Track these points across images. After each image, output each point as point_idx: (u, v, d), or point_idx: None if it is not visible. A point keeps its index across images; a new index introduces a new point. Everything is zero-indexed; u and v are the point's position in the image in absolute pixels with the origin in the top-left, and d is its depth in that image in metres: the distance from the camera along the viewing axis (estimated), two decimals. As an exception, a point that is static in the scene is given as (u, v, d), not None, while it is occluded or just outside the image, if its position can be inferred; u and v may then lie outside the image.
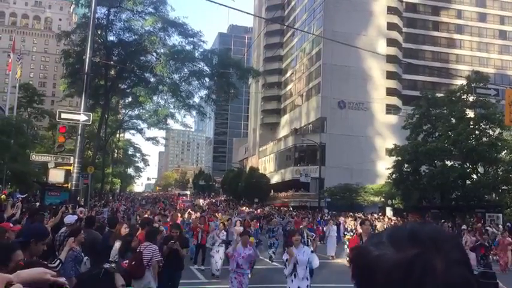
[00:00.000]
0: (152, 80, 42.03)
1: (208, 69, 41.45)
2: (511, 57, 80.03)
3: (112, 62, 40.08)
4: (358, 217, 31.19)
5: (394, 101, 70.82)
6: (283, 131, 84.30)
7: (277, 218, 28.24)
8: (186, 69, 40.53)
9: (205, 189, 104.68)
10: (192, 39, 39.96)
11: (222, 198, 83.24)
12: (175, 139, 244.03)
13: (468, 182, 39.18)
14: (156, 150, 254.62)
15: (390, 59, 67.74)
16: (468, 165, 39.30)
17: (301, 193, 62.59)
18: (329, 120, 66.48)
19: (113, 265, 6.74)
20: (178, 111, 45.33)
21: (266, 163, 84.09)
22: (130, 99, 51.23)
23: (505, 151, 37.19)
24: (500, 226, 26.07)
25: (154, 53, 40.58)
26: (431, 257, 0.88)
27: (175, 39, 60.08)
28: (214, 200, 75.99)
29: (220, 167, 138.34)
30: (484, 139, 37.97)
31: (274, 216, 30.51)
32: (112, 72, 43.54)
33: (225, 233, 15.25)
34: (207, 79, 42.36)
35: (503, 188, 36.65)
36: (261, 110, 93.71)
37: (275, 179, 75.03)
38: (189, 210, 27.91)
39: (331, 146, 62.66)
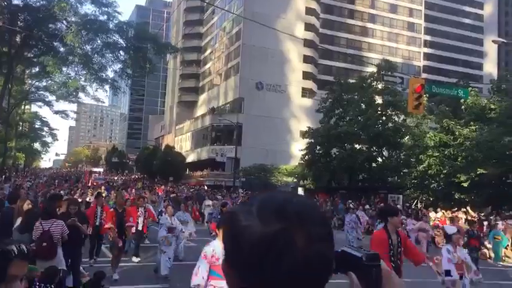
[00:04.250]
0: (62, 49, 39.43)
1: (123, 42, 39.61)
2: (417, 48, 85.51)
3: (17, 28, 37.03)
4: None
5: (310, 84, 72.84)
6: (200, 110, 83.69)
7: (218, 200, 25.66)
8: (99, 41, 38.45)
9: (118, 167, 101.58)
10: (106, 9, 37.79)
11: (136, 176, 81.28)
12: (87, 114, 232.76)
13: (374, 164, 41.47)
14: (66, 124, 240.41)
15: (307, 43, 69.48)
16: (374, 149, 41.51)
17: (216, 172, 62.82)
18: (247, 100, 66.95)
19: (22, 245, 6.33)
20: (90, 84, 42.87)
21: (182, 142, 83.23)
22: (37, 69, 47.73)
23: (408, 137, 39.72)
24: (399, 206, 27.97)
25: (64, 21, 37.94)
26: (293, 233, 0.88)
27: (87, 8, 56.92)
28: (128, 178, 74.06)
29: (135, 144, 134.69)
30: (390, 125, 40.24)
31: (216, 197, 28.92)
32: (17, 39, 40.29)
33: (175, 219, 11.73)
34: (122, 52, 40.42)
35: (404, 171, 38.94)
36: (179, 87, 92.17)
37: (191, 158, 74.58)
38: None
39: (248, 126, 63.29)
